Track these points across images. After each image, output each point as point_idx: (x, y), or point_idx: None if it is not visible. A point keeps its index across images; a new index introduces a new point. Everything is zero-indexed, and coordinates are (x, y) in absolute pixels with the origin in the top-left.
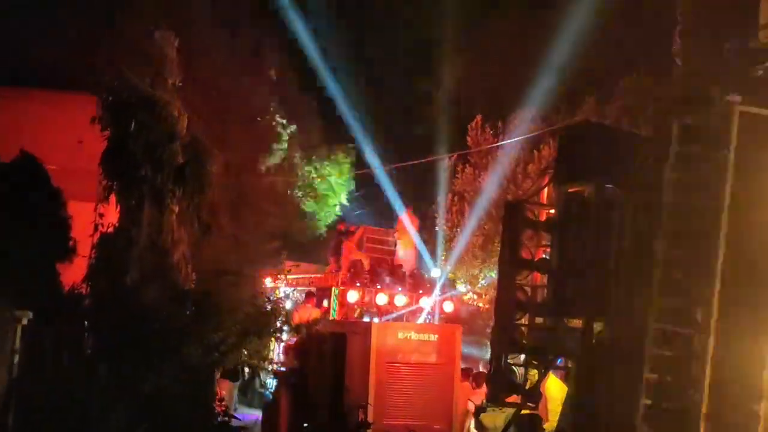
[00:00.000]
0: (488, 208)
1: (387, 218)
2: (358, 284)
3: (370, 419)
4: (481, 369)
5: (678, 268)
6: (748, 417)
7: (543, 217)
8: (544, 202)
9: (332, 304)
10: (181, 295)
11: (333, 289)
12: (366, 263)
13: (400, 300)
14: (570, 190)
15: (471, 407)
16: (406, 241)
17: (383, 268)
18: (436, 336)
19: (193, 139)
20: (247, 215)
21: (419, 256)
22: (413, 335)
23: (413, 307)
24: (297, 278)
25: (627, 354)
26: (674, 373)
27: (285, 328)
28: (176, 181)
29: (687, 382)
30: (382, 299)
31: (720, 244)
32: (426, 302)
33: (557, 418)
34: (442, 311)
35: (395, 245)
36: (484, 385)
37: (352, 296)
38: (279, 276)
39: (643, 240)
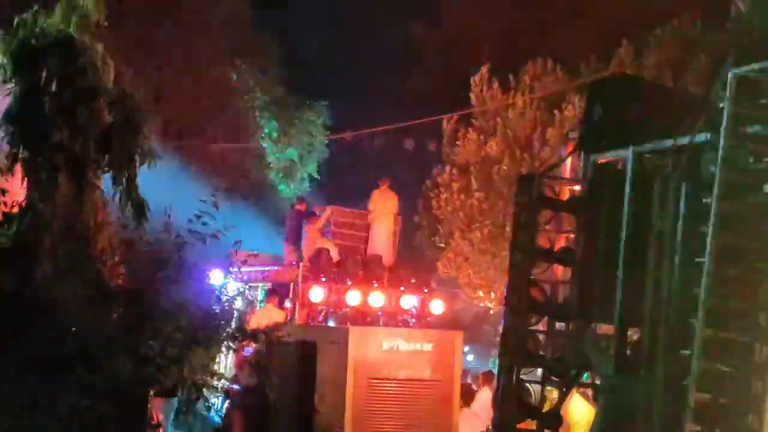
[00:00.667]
0: (497, 185)
1: (364, 197)
2: (323, 279)
3: None
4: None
5: (736, 262)
6: None
7: (566, 195)
8: (568, 176)
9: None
10: (107, 294)
11: (291, 285)
12: (334, 253)
13: (377, 299)
14: (601, 161)
15: None
16: (384, 224)
17: (356, 259)
18: (431, 345)
19: (123, 95)
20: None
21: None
22: (402, 344)
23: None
24: (251, 272)
25: (670, 368)
26: (730, 393)
27: (239, 335)
28: (101, 149)
29: (746, 403)
30: (353, 298)
31: None
32: (409, 301)
33: None
34: (427, 313)
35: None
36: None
37: (316, 294)
38: (232, 269)
39: (692, 225)
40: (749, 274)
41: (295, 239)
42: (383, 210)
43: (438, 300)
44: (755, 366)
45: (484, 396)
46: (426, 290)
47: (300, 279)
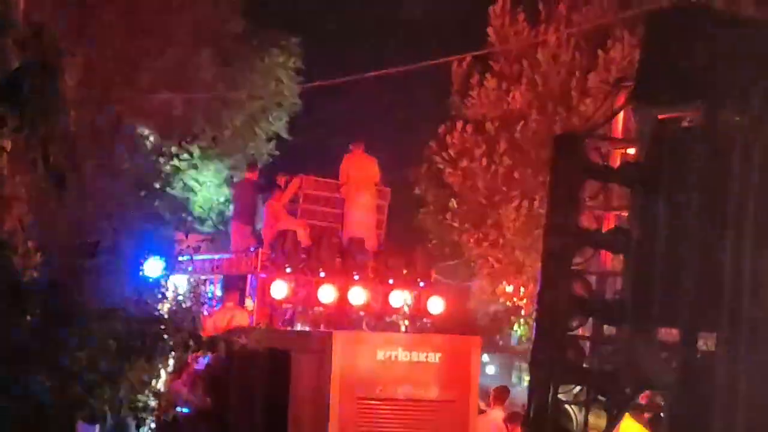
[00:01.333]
0: (525, 147)
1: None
2: (288, 269)
3: None
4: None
5: None
6: None
7: (616, 161)
8: (618, 135)
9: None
10: (17, 290)
11: (249, 277)
12: (303, 235)
13: (358, 295)
14: (662, 117)
15: None
16: (363, 199)
17: (331, 244)
18: (440, 355)
19: (37, 32)
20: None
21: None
22: (401, 354)
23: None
24: (200, 261)
25: (756, 385)
26: None
27: (191, 343)
28: (7, 101)
29: None
30: (328, 294)
31: None
32: (400, 298)
33: None
34: (424, 312)
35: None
36: None
37: (279, 289)
38: (180, 257)
39: None
40: None
41: (248, 218)
42: (360, 180)
43: (438, 297)
44: None
45: (495, 417)
46: (422, 284)
47: (258, 270)
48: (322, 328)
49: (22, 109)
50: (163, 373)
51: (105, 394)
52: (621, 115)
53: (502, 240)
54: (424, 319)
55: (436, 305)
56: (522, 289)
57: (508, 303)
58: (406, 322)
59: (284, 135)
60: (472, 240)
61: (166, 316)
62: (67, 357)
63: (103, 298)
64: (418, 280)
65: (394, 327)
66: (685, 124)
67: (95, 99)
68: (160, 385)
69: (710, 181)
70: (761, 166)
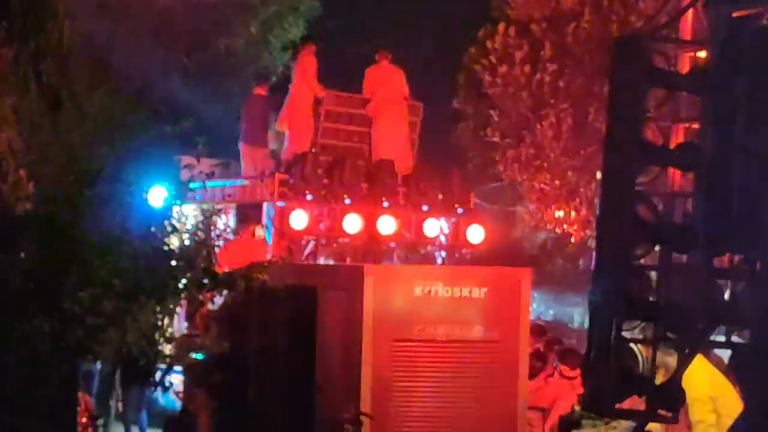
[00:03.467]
0: (576, 51)
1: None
2: (308, 196)
3: None
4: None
5: None
6: None
7: (685, 67)
8: (687, 36)
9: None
10: (9, 224)
11: (265, 206)
12: (323, 157)
13: (388, 224)
14: (737, 14)
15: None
16: (391, 116)
17: (356, 167)
18: (485, 290)
19: None
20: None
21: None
22: (442, 289)
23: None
24: (212, 188)
25: None
26: None
27: (206, 281)
28: None
29: None
30: (354, 223)
31: None
32: (436, 227)
33: None
34: (463, 242)
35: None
36: (578, 377)
37: (299, 219)
38: (191, 186)
39: None
40: None
41: (259, 139)
42: (388, 95)
43: (478, 225)
44: None
45: None
46: (460, 210)
47: (275, 197)
48: (348, 261)
49: (10, 20)
50: (175, 315)
51: (110, 339)
52: (689, 13)
53: (549, 159)
54: (463, 250)
55: (476, 234)
56: (573, 214)
57: (557, 230)
58: (443, 254)
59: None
60: (515, 159)
61: (176, 251)
62: (67, 298)
63: (106, 232)
64: (456, 206)
65: (429, 259)
66: (764, 21)
67: (91, 8)
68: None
69: None
70: None
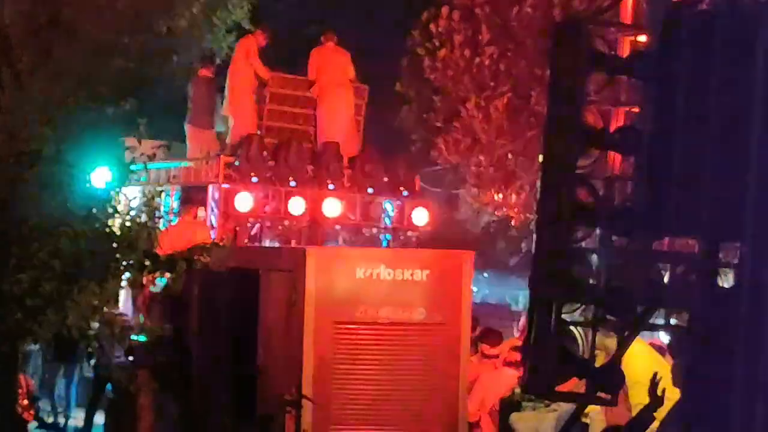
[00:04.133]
0: (520, 35)
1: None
2: (253, 179)
3: (306, 428)
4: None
5: None
6: None
7: (626, 50)
8: (628, 21)
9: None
10: None
11: (210, 188)
12: (269, 140)
13: (333, 207)
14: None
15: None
16: (337, 99)
17: (302, 149)
18: (428, 272)
19: None
20: (69, 49)
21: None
22: (384, 271)
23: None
24: (156, 170)
25: None
26: None
27: (147, 263)
28: None
29: None
30: (299, 205)
31: None
32: (381, 209)
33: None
34: (408, 225)
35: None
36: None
37: (244, 201)
38: (133, 168)
39: None
40: None
41: (205, 120)
42: (333, 77)
43: (423, 208)
44: None
45: None
46: (405, 193)
47: (220, 180)
48: (293, 244)
49: None
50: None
51: (50, 320)
52: None
53: (487, 143)
54: (408, 233)
55: (421, 217)
56: (514, 197)
57: (497, 213)
58: (388, 236)
59: (246, 25)
60: (455, 143)
61: (118, 233)
62: (7, 280)
63: (46, 214)
64: (401, 188)
65: (374, 242)
66: (703, 6)
67: None
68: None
69: (733, 72)
70: None
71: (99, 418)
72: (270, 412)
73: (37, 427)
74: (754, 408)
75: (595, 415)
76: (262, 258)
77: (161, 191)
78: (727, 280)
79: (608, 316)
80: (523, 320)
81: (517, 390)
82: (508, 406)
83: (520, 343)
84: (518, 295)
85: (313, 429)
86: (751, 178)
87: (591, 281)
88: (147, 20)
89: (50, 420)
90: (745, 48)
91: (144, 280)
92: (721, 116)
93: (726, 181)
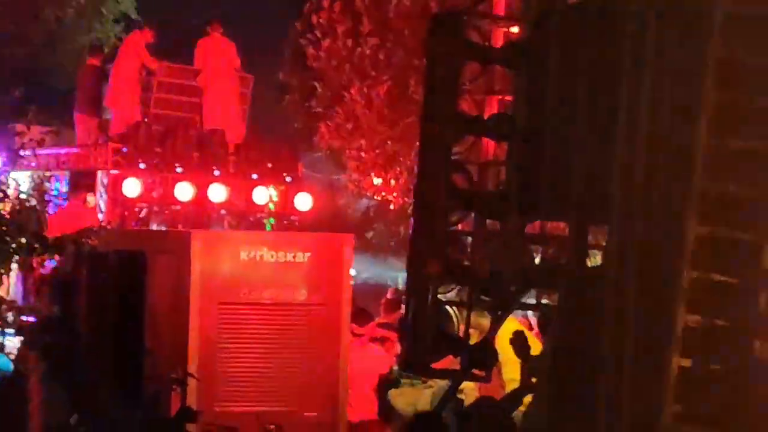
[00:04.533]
0: (399, 27)
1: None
2: (141, 165)
3: (192, 405)
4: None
5: (735, 131)
6: None
7: (499, 41)
8: (501, 13)
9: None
10: None
11: (99, 174)
12: (156, 127)
13: (218, 192)
14: None
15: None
16: (222, 87)
17: (188, 136)
18: (309, 255)
19: None
20: None
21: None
22: (267, 254)
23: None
24: (45, 154)
25: (649, 281)
26: (730, 312)
27: (36, 245)
28: None
29: (748, 326)
30: (184, 191)
31: None
32: (265, 195)
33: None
34: (291, 210)
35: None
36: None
37: (132, 187)
38: (21, 152)
39: (679, 79)
40: (756, 145)
41: (93, 108)
42: (218, 66)
43: (305, 193)
44: (763, 274)
45: None
46: (289, 178)
47: (109, 165)
48: (179, 228)
49: None
50: (5, 279)
51: None
52: None
53: (367, 129)
54: (291, 217)
55: (303, 202)
56: (393, 182)
57: (376, 197)
58: (272, 221)
59: (133, 15)
60: (336, 129)
61: (7, 217)
62: None
63: None
64: (284, 174)
65: (258, 226)
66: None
67: None
68: (2, 292)
69: (602, 63)
70: (656, 46)
71: None
72: (156, 390)
73: None
74: (620, 384)
75: (470, 390)
76: (149, 241)
77: (51, 176)
78: (595, 261)
79: (482, 297)
80: (388, 295)
81: (396, 368)
82: (387, 382)
83: (384, 320)
84: (397, 277)
85: (198, 405)
86: (616, 164)
87: (466, 263)
88: (35, 9)
89: None
90: (611, 38)
91: (34, 263)
92: (588, 104)
93: (593, 167)
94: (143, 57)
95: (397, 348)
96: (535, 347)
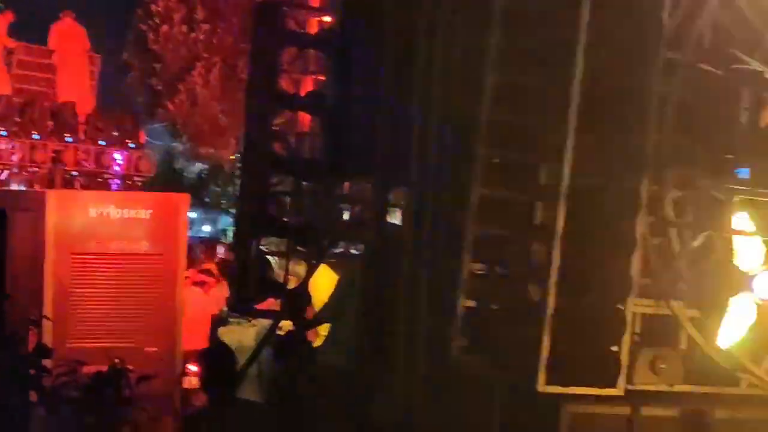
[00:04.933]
0: (228, 15)
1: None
2: (2, 132)
3: (47, 342)
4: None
5: (515, 104)
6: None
7: (314, 29)
8: (315, 4)
9: None
10: None
11: None
12: (16, 99)
13: (70, 156)
14: None
15: None
16: (74, 66)
17: (43, 107)
18: (150, 212)
19: None
20: None
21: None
22: (113, 211)
23: None
24: None
25: (441, 234)
26: (506, 262)
27: None
28: None
29: (522, 273)
30: (40, 155)
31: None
32: (112, 158)
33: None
34: (135, 172)
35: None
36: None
37: None
38: None
39: (467, 57)
40: (526, 120)
41: None
42: (70, 47)
43: (147, 158)
44: (534, 228)
45: None
46: (133, 145)
47: None
48: (36, 188)
49: None
50: None
51: None
52: None
53: (205, 102)
54: (135, 178)
55: (145, 165)
56: (224, 150)
57: (209, 163)
58: (118, 182)
59: None
60: (180, 103)
61: None
62: None
63: None
64: (128, 141)
65: (106, 186)
66: None
67: None
68: None
69: (397, 47)
70: (446, 30)
71: None
72: (15, 331)
73: None
74: (415, 321)
75: (287, 328)
76: (9, 200)
77: None
78: (396, 218)
79: (299, 248)
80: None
81: (225, 308)
82: (217, 321)
83: (206, 266)
84: (228, 231)
85: (53, 343)
86: (413, 134)
87: (285, 219)
88: None
89: None
90: (408, 26)
91: None
92: (387, 83)
93: (392, 137)
94: (3, 38)
95: (215, 290)
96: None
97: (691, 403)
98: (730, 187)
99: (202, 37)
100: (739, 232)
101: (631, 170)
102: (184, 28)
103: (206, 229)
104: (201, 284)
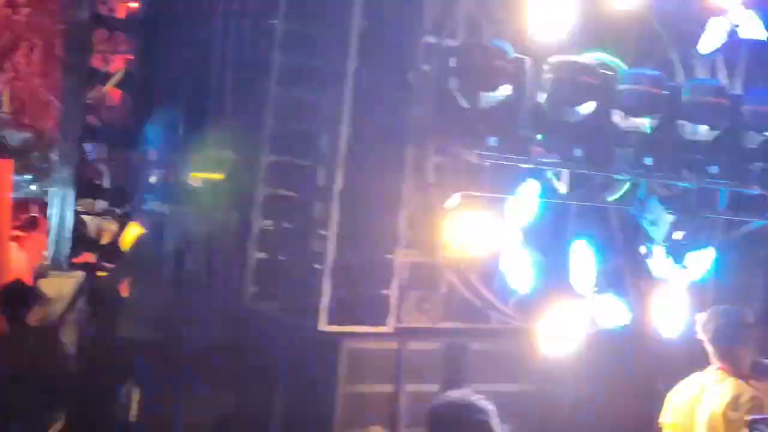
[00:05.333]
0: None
1: None
2: None
3: None
4: None
5: (298, 82)
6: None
7: (122, 14)
8: None
9: None
10: None
11: None
12: None
13: None
14: None
15: None
16: None
17: None
18: None
19: None
20: None
21: None
22: None
23: None
24: None
25: (233, 196)
26: (292, 218)
27: None
28: None
29: (307, 227)
30: None
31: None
32: None
33: None
34: None
35: None
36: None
37: None
38: None
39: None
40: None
41: None
42: None
43: None
44: (316, 189)
45: None
46: None
47: None
48: None
49: None
50: None
51: None
52: None
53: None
54: None
55: None
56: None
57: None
58: None
59: None
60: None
61: None
62: None
63: None
64: None
65: None
66: None
67: None
68: None
69: (194, 34)
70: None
71: None
72: None
73: None
74: (212, 272)
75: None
76: None
77: None
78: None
79: (111, 207)
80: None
81: (45, 262)
82: (39, 274)
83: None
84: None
85: None
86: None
87: (98, 182)
88: None
89: None
90: (202, 17)
91: None
92: (185, 59)
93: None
94: None
95: (27, 243)
96: None
97: (450, 337)
98: (481, 153)
99: (24, 19)
100: None
101: (398, 139)
102: (8, 11)
103: (33, 188)
104: (16, 238)
